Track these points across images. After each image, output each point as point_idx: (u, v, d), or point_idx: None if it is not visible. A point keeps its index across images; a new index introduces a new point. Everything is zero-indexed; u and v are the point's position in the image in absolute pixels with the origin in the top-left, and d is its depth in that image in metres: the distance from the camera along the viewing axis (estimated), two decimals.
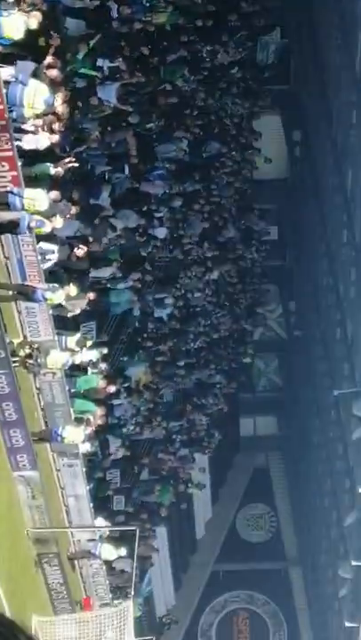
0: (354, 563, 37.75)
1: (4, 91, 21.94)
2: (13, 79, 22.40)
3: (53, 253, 26.25)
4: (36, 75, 22.66)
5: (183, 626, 50.00)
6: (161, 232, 31.04)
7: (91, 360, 29.10)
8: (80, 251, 27.08)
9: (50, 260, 26.26)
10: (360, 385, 31.95)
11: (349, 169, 32.79)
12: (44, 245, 25.79)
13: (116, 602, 35.03)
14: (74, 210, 25.79)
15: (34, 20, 21.43)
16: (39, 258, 25.21)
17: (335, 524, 39.98)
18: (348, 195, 32.11)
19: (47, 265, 26.08)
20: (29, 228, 23.82)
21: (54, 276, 26.90)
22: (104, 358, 29.76)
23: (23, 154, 23.16)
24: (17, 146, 22.67)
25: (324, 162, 36.55)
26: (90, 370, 29.39)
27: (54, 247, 26.27)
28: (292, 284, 45.51)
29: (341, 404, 33.99)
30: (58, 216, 24.54)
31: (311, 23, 34.85)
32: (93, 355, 29.04)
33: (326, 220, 37.41)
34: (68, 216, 25.54)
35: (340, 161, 33.97)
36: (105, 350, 29.31)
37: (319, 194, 37.88)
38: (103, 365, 29.37)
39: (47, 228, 24.48)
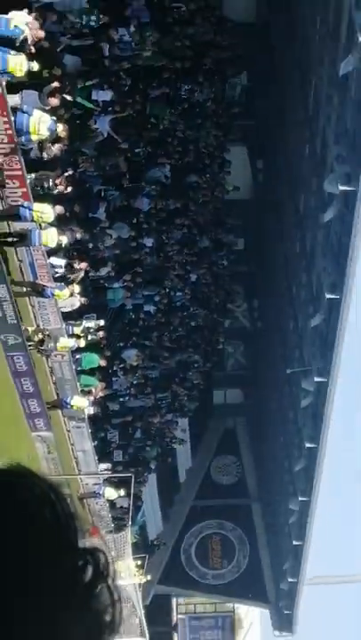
0: (300, 498, 36.86)
1: (12, 118, 20.66)
2: (19, 108, 21.03)
3: (62, 268, 25.63)
4: (39, 101, 21.56)
5: (169, 547, 50.12)
6: (148, 241, 30.36)
7: (90, 327, 28.51)
8: (82, 264, 26.65)
9: (58, 272, 25.68)
10: (307, 365, 30.56)
11: (302, 194, 31.91)
12: (55, 261, 25.10)
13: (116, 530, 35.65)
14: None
15: (35, 64, 20.29)
16: (49, 267, 24.64)
17: (287, 470, 39.10)
18: (301, 213, 30.87)
19: (57, 275, 25.61)
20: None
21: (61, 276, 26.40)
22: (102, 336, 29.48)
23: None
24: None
25: (282, 187, 35.80)
26: (89, 336, 28.73)
27: (63, 262, 25.61)
28: (255, 285, 45.16)
29: (293, 379, 32.95)
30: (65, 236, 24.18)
31: (274, 68, 33.41)
32: (92, 323, 28.59)
33: (284, 234, 36.73)
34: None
35: (295, 186, 33.00)
36: (102, 322, 28.87)
37: (278, 212, 37.05)
38: (100, 333, 28.77)
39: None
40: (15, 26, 19.75)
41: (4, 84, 19.80)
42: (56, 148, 22.27)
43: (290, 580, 42.47)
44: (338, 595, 66.01)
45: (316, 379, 28.70)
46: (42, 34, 20.49)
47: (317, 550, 41.25)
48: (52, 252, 24.70)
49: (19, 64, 19.74)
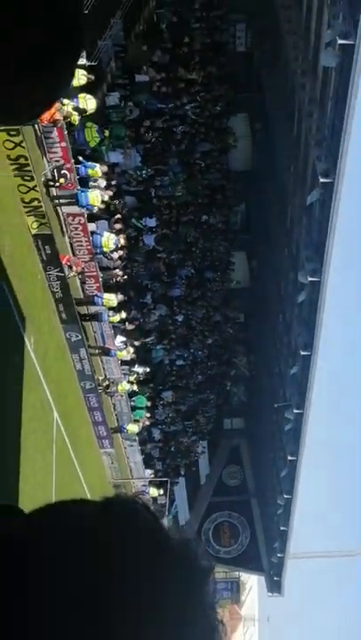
0: (285, 496, 35.59)
1: (91, 238, 21.12)
2: (95, 232, 21.53)
3: (126, 346, 26.19)
4: (107, 226, 22.06)
5: (193, 531, 47.86)
6: (180, 317, 30.10)
7: (140, 373, 28.76)
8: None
9: (124, 347, 26.17)
10: (289, 401, 29.67)
11: (282, 280, 30.21)
12: (121, 337, 25.78)
13: None
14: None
15: (107, 194, 20.76)
16: (113, 336, 25.18)
17: (275, 475, 37.30)
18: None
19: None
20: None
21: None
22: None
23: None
24: None
25: (270, 283, 33.79)
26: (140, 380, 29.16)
27: (124, 338, 26.05)
28: (251, 346, 43.03)
29: (279, 411, 31.44)
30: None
31: (261, 200, 32.48)
32: (141, 370, 28.73)
33: (270, 315, 34.62)
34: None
35: (279, 279, 31.44)
36: (147, 369, 29.27)
37: (266, 299, 35.24)
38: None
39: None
40: (91, 175, 20.00)
41: (85, 215, 20.11)
42: (116, 256, 22.69)
43: (278, 555, 41.94)
44: (316, 566, 64.98)
45: (295, 411, 28.45)
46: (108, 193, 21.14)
47: (298, 533, 40.59)
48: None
49: (96, 198, 19.96)
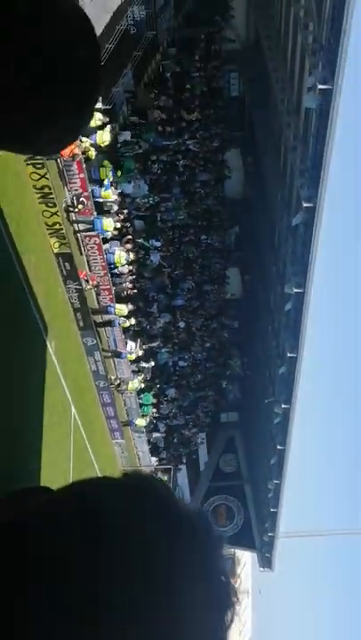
0: (275, 481, 35.41)
1: (105, 256, 21.21)
2: (109, 251, 21.61)
3: (135, 347, 25.97)
4: (120, 245, 22.05)
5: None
6: (182, 324, 29.75)
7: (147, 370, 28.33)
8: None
9: (132, 352, 25.94)
10: (278, 397, 29.25)
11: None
12: (130, 343, 25.59)
13: None
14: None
15: (118, 220, 20.89)
16: (124, 342, 25.08)
17: (266, 463, 36.37)
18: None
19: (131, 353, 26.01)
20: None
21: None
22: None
23: None
24: None
25: (259, 296, 33.21)
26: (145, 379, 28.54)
27: (134, 344, 25.85)
28: (245, 350, 41.77)
29: (268, 406, 30.95)
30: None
31: (251, 225, 31.78)
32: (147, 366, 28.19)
33: (258, 329, 34.17)
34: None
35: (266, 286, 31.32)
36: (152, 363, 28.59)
37: (258, 309, 34.36)
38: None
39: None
40: (104, 197, 20.04)
41: (100, 237, 20.25)
42: (126, 271, 22.78)
43: (269, 534, 41.57)
44: (302, 544, 64.68)
45: (283, 406, 28.38)
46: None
47: (288, 515, 39.65)
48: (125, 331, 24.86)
49: (109, 224, 20.27)
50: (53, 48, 0.99)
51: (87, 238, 20.00)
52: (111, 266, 21.60)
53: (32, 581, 0.69)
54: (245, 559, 54.72)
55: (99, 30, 16.44)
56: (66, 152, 16.40)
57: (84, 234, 19.86)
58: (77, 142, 16.43)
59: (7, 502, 0.85)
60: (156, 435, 33.05)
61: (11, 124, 1.02)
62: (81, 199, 18.70)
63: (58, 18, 1.01)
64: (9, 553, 0.72)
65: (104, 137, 18.49)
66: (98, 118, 17.54)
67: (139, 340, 26.11)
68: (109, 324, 23.41)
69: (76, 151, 17.29)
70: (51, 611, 0.67)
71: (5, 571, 0.71)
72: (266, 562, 44.91)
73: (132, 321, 24.50)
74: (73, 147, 16.43)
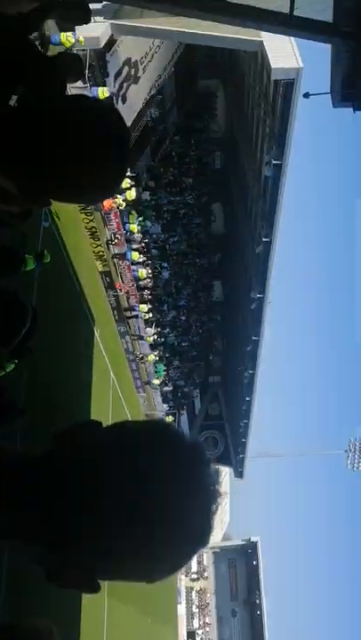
0: (244, 420, 35.36)
1: (132, 273, 20.29)
2: (135, 269, 20.47)
3: (152, 333, 24.19)
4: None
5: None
6: (183, 317, 29.09)
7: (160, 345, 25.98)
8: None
9: (150, 336, 24.41)
10: (247, 365, 28.00)
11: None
12: (149, 329, 24.32)
13: None
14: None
15: (141, 251, 19.90)
16: (145, 329, 23.56)
17: (239, 407, 35.39)
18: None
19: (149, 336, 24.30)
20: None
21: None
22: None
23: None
24: None
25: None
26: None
27: (152, 330, 24.30)
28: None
29: (241, 373, 29.74)
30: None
31: (231, 252, 31.15)
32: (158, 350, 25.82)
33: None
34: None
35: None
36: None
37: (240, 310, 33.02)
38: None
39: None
40: (131, 231, 19.26)
41: (130, 262, 19.68)
42: (146, 282, 21.82)
43: (240, 455, 40.95)
44: (263, 462, 64.03)
45: (250, 371, 28.13)
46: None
47: (252, 443, 40.04)
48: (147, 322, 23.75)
49: (135, 255, 19.46)
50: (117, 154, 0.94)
51: (120, 261, 19.79)
52: (136, 279, 21.34)
53: (101, 484, 0.66)
54: (225, 471, 54.11)
55: (128, 123, 16.65)
56: (106, 205, 16.40)
57: (118, 259, 19.66)
58: (113, 198, 16.44)
59: (78, 426, 0.78)
60: (165, 389, 32.13)
61: (78, 184, 0.94)
62: (116, 236, 18.59)
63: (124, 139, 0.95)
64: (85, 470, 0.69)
65: (131, 195, 18.41)
66: (127, 182, 17.50)
67: (155, 328, 25.50)
68: (135, 317, 22.96)
69: (112, 204, 17.26)
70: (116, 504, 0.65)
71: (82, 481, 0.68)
72: (239, 474, 45.04)
73: (150, 315, 23.88)
74: (110, 201, 16.45)
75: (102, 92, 13.02)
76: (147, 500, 0.66)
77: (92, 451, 0.71)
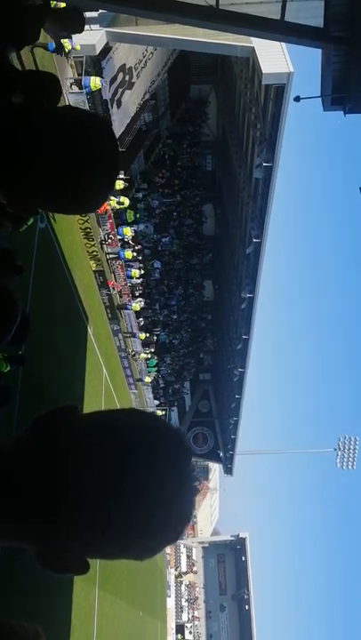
0: (234, 418, 34.81)
1: (125, 272, 20.19)
2: (128, 268, 20.41)
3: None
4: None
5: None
6: (175, 316, 29.12)
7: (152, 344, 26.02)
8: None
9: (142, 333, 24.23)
10: (236, 363, 27.99)
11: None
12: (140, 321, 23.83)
13: None
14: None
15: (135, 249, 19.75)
16: (137, 326, 23.26)
17: (228, 406, 35.73)
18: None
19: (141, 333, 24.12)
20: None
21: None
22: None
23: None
24: None
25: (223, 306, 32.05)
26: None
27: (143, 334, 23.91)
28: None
29: (230, 372, 29.91)
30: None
31: (221, 251, 30.79)
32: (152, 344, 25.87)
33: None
34: None
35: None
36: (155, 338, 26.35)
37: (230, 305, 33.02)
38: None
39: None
40: (125, 234, 19.25)
41: (123, 261, 19.63)
42: (138, 281, 21.99)
43: (230, 452, 40.61)
44: (250, 459, 63.87)
45: (240, 369, 27.39)
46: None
47: (241, 440, 39.33)
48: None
49: (129, 254, 19.55)
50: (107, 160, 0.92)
51: (114, 261, 19.74)
52: (129, 278, 21.28)
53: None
54: (215, 468, 54.10)
55: (122, 128, 16.38)
56: (100, 208, 16.31)
57: (112, 258, 19.60)
58: (107, 201, 16.38)
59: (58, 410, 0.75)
60: (157, 386, 32.00)
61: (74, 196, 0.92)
62: (110, 236, 18.55)
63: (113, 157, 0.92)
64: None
65: (125, 202, 18.33)
66: (120, 184, 17.43)
67: (146, 326, 25.38)
68: (127, 315, 22.88)
69: (107, 207, 17.19)
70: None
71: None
72: (228, 470, 44.52)
73: (142, 313, 23.98)
74: (105, 204, 16.35)
75: (94, 82, 12.71)
76: (134, 471, 0.63)
77: (75, 429, 0.69)
